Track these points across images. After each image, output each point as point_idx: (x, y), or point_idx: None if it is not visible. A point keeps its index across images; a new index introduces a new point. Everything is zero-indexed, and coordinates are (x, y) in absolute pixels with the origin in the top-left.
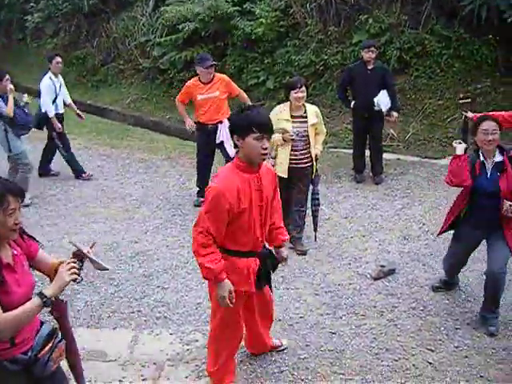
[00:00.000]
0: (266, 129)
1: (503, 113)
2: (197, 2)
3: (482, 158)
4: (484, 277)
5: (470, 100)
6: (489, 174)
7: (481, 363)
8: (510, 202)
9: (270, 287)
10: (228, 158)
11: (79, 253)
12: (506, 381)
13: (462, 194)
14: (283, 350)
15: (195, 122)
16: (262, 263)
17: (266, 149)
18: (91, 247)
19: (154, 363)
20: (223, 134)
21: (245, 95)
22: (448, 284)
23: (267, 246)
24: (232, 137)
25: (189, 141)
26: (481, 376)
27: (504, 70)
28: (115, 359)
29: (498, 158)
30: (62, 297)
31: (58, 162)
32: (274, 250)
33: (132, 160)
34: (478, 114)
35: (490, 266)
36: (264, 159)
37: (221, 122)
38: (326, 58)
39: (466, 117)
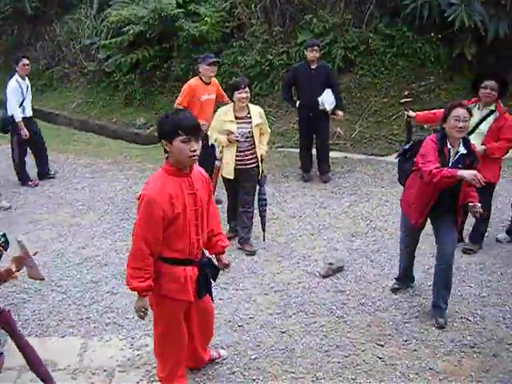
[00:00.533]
0: (193, 131)
1: (421, 113)
2: (141, 5)
3: (449, 145)
4: (430, 270)
5: (411, 99)
6: (450, 163)
7: (429, 356)
8: (479, 204)
9: (211, 297)
10: None
11: (23, 254)
12: (453, 372)
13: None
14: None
15: None
16: (200, 272)
17: (194, 151)
18: (34, 254)
19: (105, 370)
20: None
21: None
22: (405, 280)
23: (207, 254)
24: (160, 142)
25: (136, 143)
26: (430, 368)
27: (447, 67)
28: (64, 368)
29: (462, 149)
30: (6, 306)
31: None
32: (215, 258)
33: (79, 165)
34: (421, 113)
35: (444, 253)
36: (193, 161)
37: None
38: (271, 58)
39: (408, 116)
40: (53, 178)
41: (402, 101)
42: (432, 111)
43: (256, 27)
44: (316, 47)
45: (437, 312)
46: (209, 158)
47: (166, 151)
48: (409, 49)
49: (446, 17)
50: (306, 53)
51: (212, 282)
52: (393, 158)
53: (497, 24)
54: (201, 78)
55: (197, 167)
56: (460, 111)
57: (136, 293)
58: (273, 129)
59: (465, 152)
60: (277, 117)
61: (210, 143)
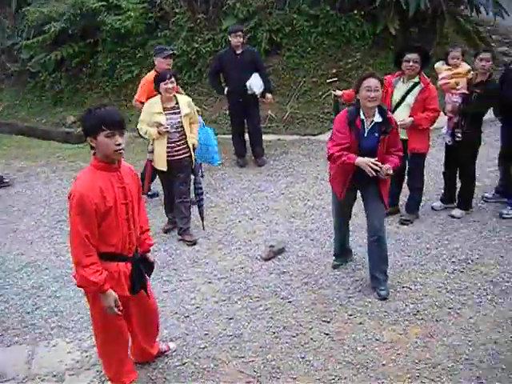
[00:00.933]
0: (116, 125)
1: (347, 91)
2: (61, 0)
3: (362, 116)
4: (366, 242)
5: (337, 79)
6: (366, 133)
7: (375, 327)
8: (387, 166)
9: (146, 292)
10: None
11: None
12: (399, 341)
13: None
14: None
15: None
16: (134, 268)
17: (119, 145)
18: None
19: (54, 375)
20: None
21: None
22: (344, 255)
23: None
24: (86, 139)
25: (68, 143)
26: (376, 339)
27: (372, 43)
28: (13, 378)
29: (378, 118)
30: None
31: None
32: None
33: (10, 170)
34: (347, 91)
35: (371, 225)
36: (120, 155)
37: None
38: (197, 46)
39: (335, 95)
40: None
41: (329, 81)
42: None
43: (180, 16)
44: (239, 32)
45: (376, 283)
46: None
47: (92, 147)
48: (333, 27)
49: None
50: (229, 39)
51: (147, 277)
52: (325, 137)
53: None
54: (157, 71)
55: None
56: (371, 81)
57: (83, 291)
58: (205, 117)
59: (380, 120)
60: (207, 104)
61: None
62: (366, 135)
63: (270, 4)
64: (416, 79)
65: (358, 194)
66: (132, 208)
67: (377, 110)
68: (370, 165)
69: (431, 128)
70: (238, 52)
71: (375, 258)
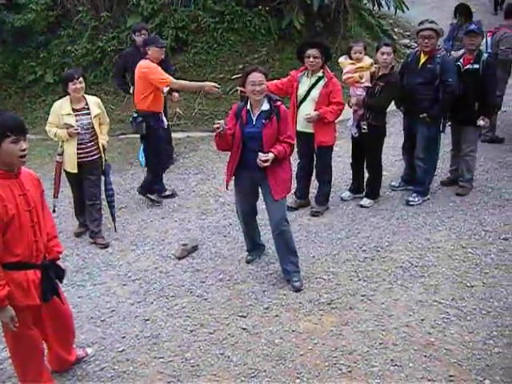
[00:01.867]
0: (21, 130)
1: (276, 81)
2: None
3: (248, 107)
4: None
5: (241, 74)
6: (254, 121)
7: (291, 319)
8: (263, 154)
9: (60, 298)
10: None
11: None
12: (315, 330)
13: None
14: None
15: (147, 111)
16: (43, 275)
17: (24, 150)
18: None
19: None
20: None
21: None
22: (257, 249)
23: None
24: None
25: None
26: (293, 331)
27: (278, 38)
28: None
29: (265, 106)
30: None
31: None
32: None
33: None
34: None
35: (272, 219)
36: (24, 162)
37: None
38: (102, 44)
39: (241, 91)
40: None
41: (234, 77)
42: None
43: (83, 14)
44: (143, 31)
45: (288, 276)
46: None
47: None
48: (239, 23)
49: None
50: (134, 37)
51: (59, 283)
52: None
53: None
54: (152, 62)
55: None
56: (255, 76)
57: None
58: (112, 116)
59: (267, 108)
60: (115, 104)
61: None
62: (254, 123)
63: (175, 1)
64: (320, 73)
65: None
66: (36, 215)
67: (266, 99)
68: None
69: (337, 120)
70: (143, 50)
71: (282, 251)
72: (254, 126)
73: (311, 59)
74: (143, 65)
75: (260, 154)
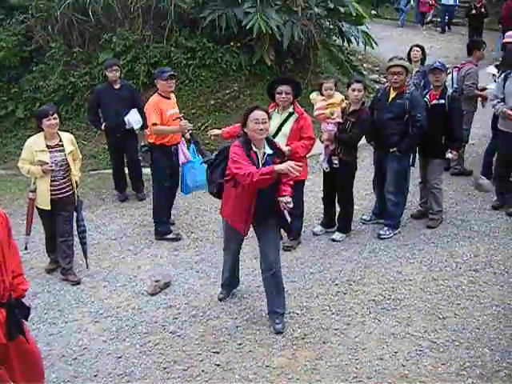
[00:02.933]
0: None
1: (227, 128)
2: None
3: (255, 149)
4: (255, 272)
5: (180, 116)
6: (261, 165)
7: (264, 354)
8: (285, 198)
9: (25, 337)
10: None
11: None
12: (289, 365)
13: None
14: None
15: (153, 144)
16: (9, 313)
17: None
18: None
19: None
20: (184, 153)
21: None
22: (232, 285)
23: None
24: None
25: None
26: (266, 366)
27: (249, 74)
28: None
29: (268, 150)
30: None
31: None
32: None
33: None
34: (226, 129)
35: (266, 258)
36: None
37: (179, 142)
38: (74, 80)
39: (214, 135)
40: None
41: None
42: (235, 125)
43: (55, 50)
44: (115, 67)
45: (274, 317)
46: None
47: None
48: (210, 59)
49: (244, 26)
50: (106, 73)
51: (24, 322)
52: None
53: (291, 29)
54: (160, 95)
55: None
56: (258, 114)
57: None
58: (84, 152)
59: (271, 152)
60: (86, 139)
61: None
62: (261, 167)
63: (147, 37)
64: (290, 109)
65: None
66: (2, 254)
67: (265, 141)
68: (291, 164)
69: (309, 155)
70: (116, 86)
71: (273, 292)
72: None
73: (283, 95)
74: (149, 100)
75: (282, 198)
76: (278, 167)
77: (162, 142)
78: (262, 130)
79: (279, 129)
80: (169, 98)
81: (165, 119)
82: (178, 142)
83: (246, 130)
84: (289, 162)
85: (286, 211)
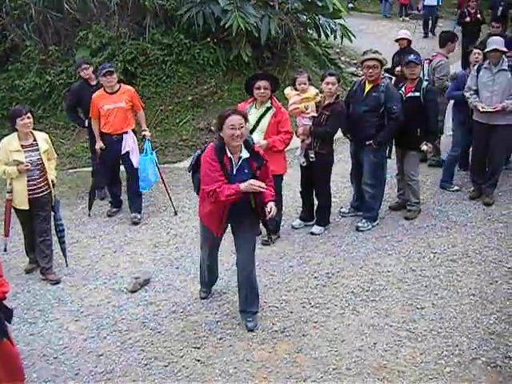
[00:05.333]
0: None
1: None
2: None
3: (229, 154)
4: (234, 267)
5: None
6: (235, 170)
7: (244, 348)
8: (269, 207)
9: (9, 339)
10: (132, 169)
11: None
12: (269, 359)
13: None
14: None
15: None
16: None
17: None
18: None
19: None
20: (129, 143)
21: (143, 115)
22: (210, 283)
23: None
24: None
25: None
26: (247, 360)
27: (226, 70)
28: None
29: (245, 154)
30: None
31: None
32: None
33: None
34: None
35: (242, 258)
36: None
37: (126, 133)
38: (50, 78)
39: None
40: None
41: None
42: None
43: (31, 48)
44: (84, 65)
45: (247, 316)
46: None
47: None
48: (187, 55)
49: (222, 23)
50: (79, 72)
51: (7, 324)
52: (184, 164)
53: (268, 24)
54: (104, 89)
55: None
56: (235, 119)
57: None
58: (62, 150)
59: (247, 156)
60: (64, 137)
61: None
62: (235, 173)
63: (123, 34)
64: (268, 104)
65: None
66: None
67: (243, 145)
68: (253, 184)
69: (286, 150)
70: (93, 83)
71: (246, 291)
72: (237, 176)
73: (262, 90)
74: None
75: (267, 207)
76: (242, 187)
77: (103, 131)
78: (238, 136)
79: (257, 123)
80: (113, 93)
81: (103, 113)
82: (122, 133)
83: (221, 135)
84: (249, 181)
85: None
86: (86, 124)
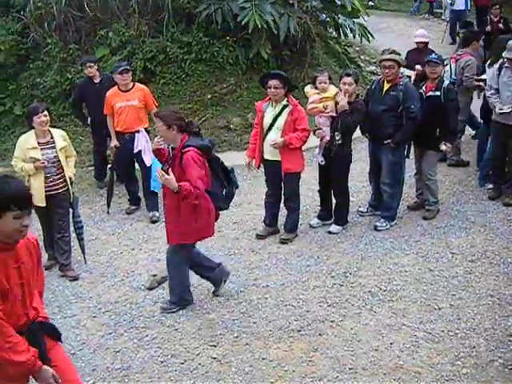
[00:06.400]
0: (27, 204)
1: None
2: None
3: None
4: (249, 264)
5: None
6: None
7: (261, 347)
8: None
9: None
10: (145, 168)
11: None
12: (285, 358)
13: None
14: None
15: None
16: (32, 340)
17: (26, 226)
18: None
19: None
20: (141, 142)
21: None
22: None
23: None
24: None
25: None
26: (263, 358)
27: (246, 68)
28: None
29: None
30: None
31: None
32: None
33: None
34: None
35: None
36: (25, 235)
37: (138, 132)
38: (70, 76)
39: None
40: None
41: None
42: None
43: (52, 46)
44: (89, 63)
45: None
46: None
47: None
48: (207, 54)
49: (240, 20)
50: (84, 71)
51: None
52: None
53: (287, 22)
54: (119, 88)
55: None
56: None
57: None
58: (82, 148)
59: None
60: (84, 135)
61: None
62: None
63: (143, 32)
64: (284, 102)
65: None
66: (28, 284)
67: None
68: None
69: (306, 147)
70: (97, 81)
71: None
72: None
73: (272, 89)
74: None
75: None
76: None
77: (117, 129)
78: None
79: (274, 121)
80: (126, 91)
81: (116, 111)
82: (134, 131)
83: None
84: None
85: None
86: (89, 122)
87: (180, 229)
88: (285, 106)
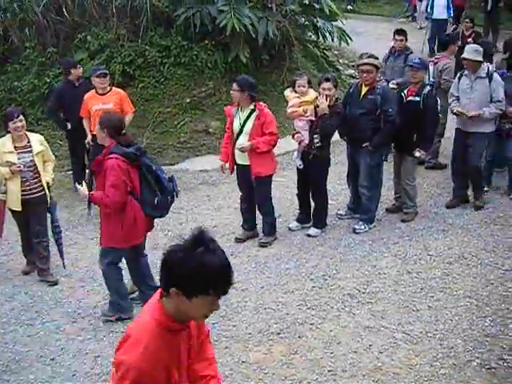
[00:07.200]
0: (229, 288)
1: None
2: None
3: None
4: None
5: None
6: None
7: (241, 350)
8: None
9: None
10: None
11: None
12: (264, 360)
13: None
14: None
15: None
16: None
17: (217, 308)
18: None
19: None
20: None
21: (130, 120)
22: None
23: None
24: (167, 287)
25: None
26: (243, 362)
27: (224, 71)
28: None
29: None
30: None
31: None
32: None
33: None
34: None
35: None
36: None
37: None
38: (49, 80)
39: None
40: None
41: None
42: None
43: (30, 50)
44: (78, 65)
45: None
46: None
47: (163, 295)
48: (185, 57)
49: (218, 23)
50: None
51: None
52: (183, 166)
53: (266, 26)
54: (96, 91)
55: None
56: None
57: None
58: (61, 152)
59: None
60: (63, 139)
61: None
62: None
63: (122, 36)
64: (251, 106)
65: None
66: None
67: None
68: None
69: (283, 152)
70: (77, 84)
71: None
72: None
73: (231, 92)
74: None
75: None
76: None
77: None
78: None
79: (243, 126)
80: (103, 94)
81: (92, 114)
82: None
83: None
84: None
85: None
86: (69, 127)
87: (108, 233)
88: (252, 111)
